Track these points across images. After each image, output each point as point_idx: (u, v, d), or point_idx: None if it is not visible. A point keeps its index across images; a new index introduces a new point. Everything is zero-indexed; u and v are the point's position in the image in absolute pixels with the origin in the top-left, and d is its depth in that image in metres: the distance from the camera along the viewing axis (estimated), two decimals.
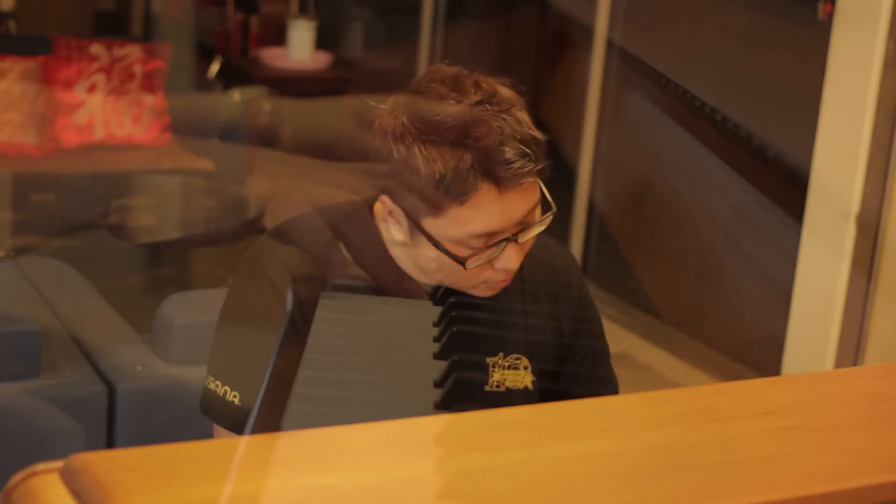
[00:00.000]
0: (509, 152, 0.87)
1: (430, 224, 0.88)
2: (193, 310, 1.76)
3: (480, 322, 0.86)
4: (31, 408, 0.99)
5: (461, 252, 0.86)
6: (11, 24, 3.56)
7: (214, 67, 3.98)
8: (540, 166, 0.88)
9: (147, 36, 3.47)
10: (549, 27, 1.80)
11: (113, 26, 3.74)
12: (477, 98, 0.89)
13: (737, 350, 0.70)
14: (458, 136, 0.87)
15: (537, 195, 0.88)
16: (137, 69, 3.26)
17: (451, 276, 0.90)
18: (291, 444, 0.56)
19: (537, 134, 0.91)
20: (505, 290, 0.89)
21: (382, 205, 0.94)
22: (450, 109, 0.89)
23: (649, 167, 1.05)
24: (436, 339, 0.79)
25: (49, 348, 1.58)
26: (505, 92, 0.92)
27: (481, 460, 0.54)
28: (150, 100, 3.25)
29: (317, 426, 0.59)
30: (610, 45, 1.27)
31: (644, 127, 1.13)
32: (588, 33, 1.38)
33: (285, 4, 3.92)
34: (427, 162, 0.88)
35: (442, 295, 0.88)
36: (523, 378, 0.75)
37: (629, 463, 0.54)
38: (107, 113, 3.21)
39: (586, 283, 0.95)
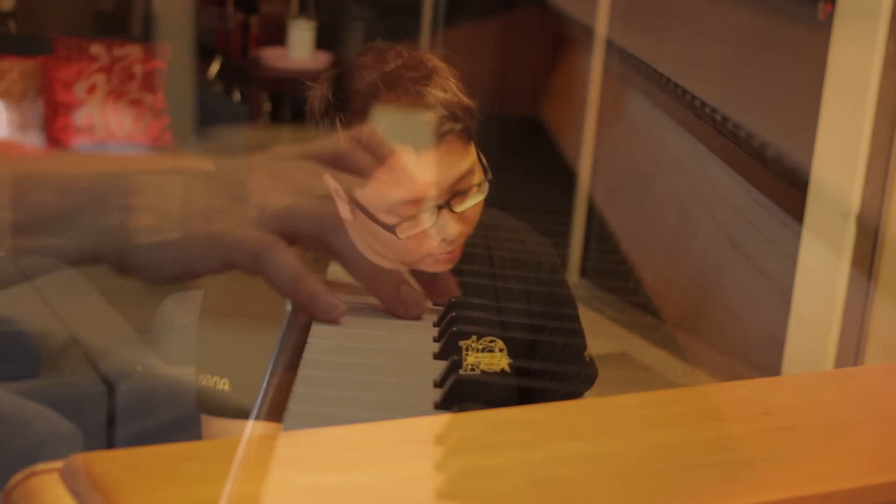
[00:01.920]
0: (425, 114, 0.88)
1: (361, 196, 0.89)
2: (193, 310, 1.76)
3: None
4: (31, 408, 0.99)
5: (393, 222, 0.87)
6: (11, 24, 3.56)
7: (214, 67, 3.98)
8: (460, 127, 0.89)
9: (147, 36, 3.47)
10: (549, 27, 1.80)
11: (113, 26, 3.74)
12: (394, 65, 0.91)
13: (737, 350, 0.70)
14: (372, 101, 0.89)
15: (467, 161, 0.89)
16: (137, 69, 3.26)
17: (393, 250, 0.90)
18: (291, 444, 0.56)
19: (463, 99, 0.92)
20: (474, 274, 0.89)
21: (329, 184, 0.95)
22: (366, 77, 0.91)
23: (649, 167, 1.05)
24: (436, 340, 0.79)
25: (49, 348, 1.57)
26: (430, 60, 0.94)
27: (481, 460, 0.54)
28: (150, 100, 3.25)
29: (317, 426, 0.59)
30: (610, 45, 1.27)
31: (644, 127, 1.13)
32: (588, 33, 1.38)
33: (285, 4, 3.92)
34: (343, 128, 0.90)
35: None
36: (499, 361, 0.75)
37: (629, 463, 0.54)
38: (107, 113, 3.21)
39: (561, 270, 0.96)
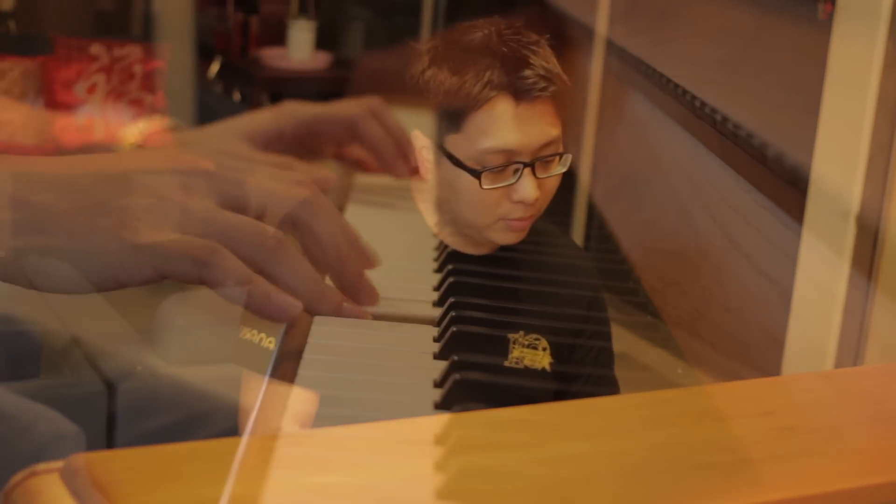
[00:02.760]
0: (528, 71, 0.92)
1: (450, 143, 0.92)
2: (193, 310, 1.76)
3: (503, 298, 0.87)
4: (32, 408, 0.99)
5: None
6: (11, 24, 3.56)
7: (214, 67, 3.98)
8: (556, 90, 0.92)
9: (147, 36, 3.47)
10: (549, 27, 1.80)
11: (113, 26, 3.74)
12: (507, 27, 0.95)
13: (737, 350, 0.70)
14: (484, 52, 0.93)
15: (555, 127, 0.91)
16: (137, 69, 3.26)
17: (470, 205, 0.92)
18: (291, 444, 0.56)
19: (562, 73, 0.95)
20: (525, 272, 0.90)
21: (415, 139, 0.98)
22: (479, 32, 0.95)
23: (649, 167, 1.05)
24: (436, 340, 0.79)
25: (49, 348, 1.58)
26: (533, 33, 0.97)
27: (481, 460, 0.54)
28: (150, 100, 3.25)
29: (317, 426, 0.59)
30: (610, 45, 1.27)
31: (644, 127, 1.13)
32: (588, 33, 1.38)
33: (285, 4, 3.92)
34: (451, 75, 0.93)
35: (447, 290, 0.88)
36: (541, 359, 0.76)
37: (629, 463, 0.54)
38: (107, 113, 3.21)
39: (601, 286, 0.97)
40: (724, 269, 0.79)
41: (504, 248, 0.98)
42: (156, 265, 0.66)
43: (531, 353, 0.78)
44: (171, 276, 0.66)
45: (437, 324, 0.82)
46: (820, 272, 0.63)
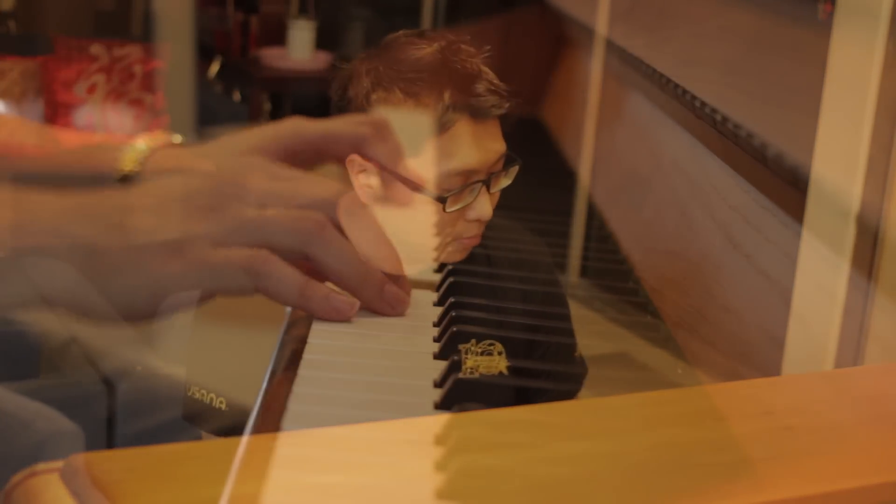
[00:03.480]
0: (482, 87, 0.90)
1: (404, 168, 0.90)
2: (196, 309, 1.76)
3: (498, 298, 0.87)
4: (33, 407, 0.99)
5: (440, 194, 0.88)
6: (11, 24, 3.56)
7: (214, 67, 3.98)
8: (507, 105, 0.91)
9: (147, 36, 3.47)
10: (549, 27, 1.80)
11: (113, 26, 3.73)
12: (445, 43, 0.93)
13: (737, 350, 0.70)
14: (435, 71, 0.91)
15: (503, 141, 0.91)
16: (137, 69, 3.26)
17: (424, 231, 0.91)
18: (291, 444, 0.56)
19: (501, 84, 0.94)
20: (474, 274, 0.89)
21: (350, 166, 0.95)
22: (425, 50, 0.93)
23: (649, 167, 1.05)
24: (436, 340, 0.79)
25: (49, 348, 1.57)
26: (468, 44, 0.96)
27: (481, 460, 0.54)
28: (149, 100, 3.25)
29: (317, 426, 0.59)
30: (610, 45, 1.27)
31: (644, 127, 1.13)
32: (588, 33, 1.38)
33: (285, 4, 3.92)
34: (405, 97, 0.91)
35: (444, 293, 0.88)
36: (497, 364, 0.75)
37: (629, 463, 0.54)
38: (107, 113, 3.21)
39: (555, 270, 0.96)
40: (724, 269, 0.79)
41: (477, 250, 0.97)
42: (206, 284, 0.66)
43: (486, 360, 0.77)
44: (225, 292, 0.66)
45: (437, 324, 0.82)
46: (820, 272, 0.62)
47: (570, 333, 0.84)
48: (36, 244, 0.65)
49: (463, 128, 0.89)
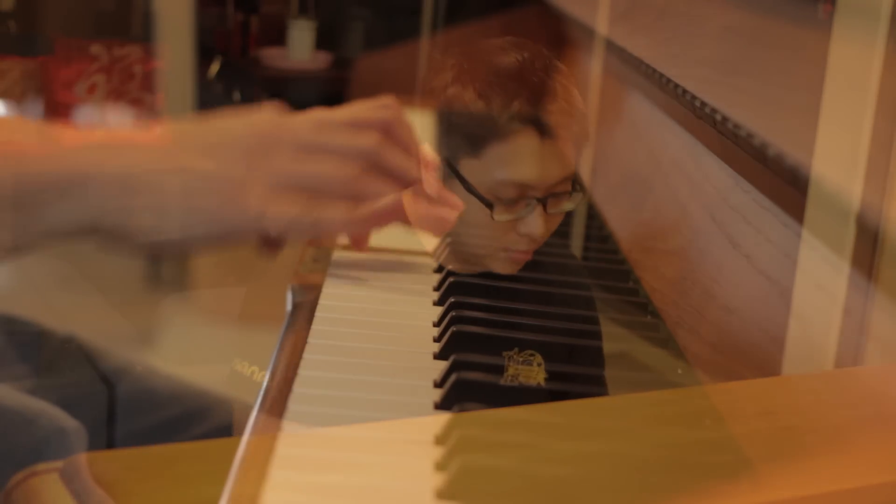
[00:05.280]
0: (556, 105, 0.90)
1: (464, 166, 0.91)
2: (193, 310, 1.76)
3: (503, 298, 0.87)
4: (36, 405, 0.99)
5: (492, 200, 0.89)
6: (11, 24, 3.56)
7: (214, 67, 3.98)
8: (579, 131, 0.90)
9: (147, 36, 3.46)
10: (549, 27, 1.79)
11: (113, 26, 3.73)
12: (531, 55, 0.93)
13: (737, 350, 0.70)
14: (513, 79, 0.91)
15: (570, 167, 0.89)
16: (137, 69, 3.26)
17: (475, 234, 0.91)
18: (291, 444, 0.56)
19: (582, 106, 0.93)
20: (519, 287, 0.90)
21: (425, 150, 0.97)
22: (510, 57, 0.93)
23: (649, 167, 1.05)
24: (436, 340, 0.79)
25: (49, 347, 1.57)
26: (561, 64, 0.96)
27: (481, 460, 0.54)
28: (150, 100, 3.25)
29: (317, 426, 0.59)
30: (610, 45, 1.27)
31: (644, 127, 1.13)
32: (588, 33, 1.38)
33: (285, 4, 3.92)
34: (477, 97, 0.91)
35: (446, 290, 0.88)
36: (536, 374, 0.76)
37: (629, 463, 0.54)
38: (107, 113, 3.21)
39: (592, 287, 0.96)
40: (724, 269, 0.79)
41: None
42: (264, 226, 0.71)
43: (526, 370, 0.78)
44: (284, 236, 0.72)
45: (437, 324, 0.82)
46: (820, 272, 0.62)
47: (559, 333, 0.83)
48: (83, 175, 0.67)
49: (525, 140, 0.88)
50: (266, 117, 0.77)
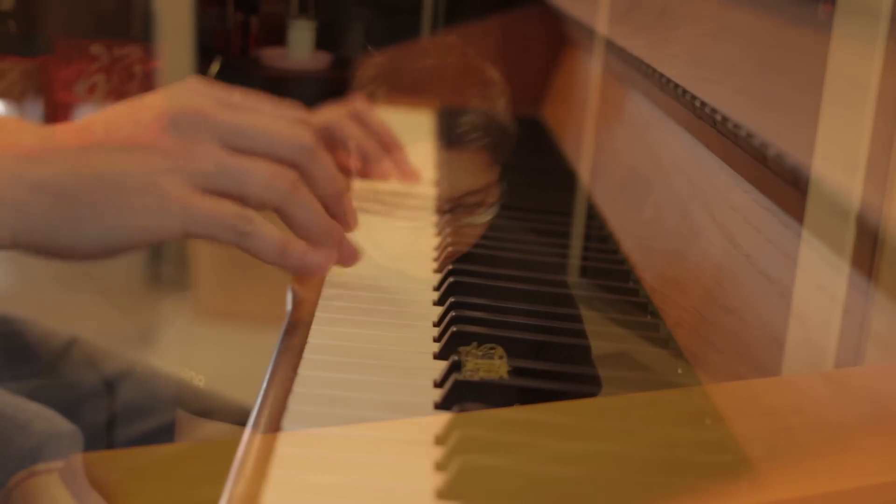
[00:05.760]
0: (463, 116, 0.89)
1: (373, 172, 0.91)
2: (193, 310, 1.76)
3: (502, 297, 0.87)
4: (31, 408, 0.99)
5: (391, 209, 0.88)
6: (11, 24, 3.56)
7: (214, 67, 3.98)
8: (490, 142, 0.89)
9: (147, 36, 3.47)
10: (549, 27, 1.79)
11: (113, 26, 3.73)
12: (454, 60, 0.92)
13: (737, 350, 0.70)
14: (422, 85, 0.90)
15: (484, 179, 0.88)
16: (137, 69, 3.26)
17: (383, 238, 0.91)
18: (291, 444, 0.56)
19: (503, 120, 0.92)
20: (477, 275, 0.89)
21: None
22: (422, 62, 0.92)
23: (649, 167, 1.05)
24: (436, 340, 0.79)
25: (49, 348, 1.57)
26: (489, 71, 0.94)
27: (481, 460, 0.54)
28: None
29: (317, 426, 0.59)
30: (610, 45, 1.27)
31: (644, 127, 1.13)
32: (588, 33, 1.38)
33: (285, 4, 3.92)
34: (391, 102, 0.91)
35: (444, 292, 0.88)
36: (498, 368, 0.75)
37: (629, 463, 0.54)
38: None
39: (562, 271, 0.96)
40: (724, 269, 0.79)
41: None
42: (188, 230, 0.68)
43: (486, 364, 0.77)
44: (202, 238, 0.69)
45: (437, 324, 0.82)
46: (820, 272, 0.62)
47: (577, 334, 0.83)
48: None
49: (423, 151, 0.88)
50: (191, 91, 0.74)
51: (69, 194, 0.66)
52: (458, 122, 0.88)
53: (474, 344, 0.77)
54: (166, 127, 0.70)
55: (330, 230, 0.75)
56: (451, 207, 0.86)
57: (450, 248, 0.87)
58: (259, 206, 0.72)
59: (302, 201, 0.73)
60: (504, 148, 0.89)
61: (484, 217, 0.88)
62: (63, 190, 0.66)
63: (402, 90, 0.90)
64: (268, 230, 0.71)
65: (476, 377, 0.71)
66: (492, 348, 0.79)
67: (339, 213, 0.78)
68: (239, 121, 0.73)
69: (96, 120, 0.72)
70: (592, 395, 0.72)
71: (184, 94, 0.73)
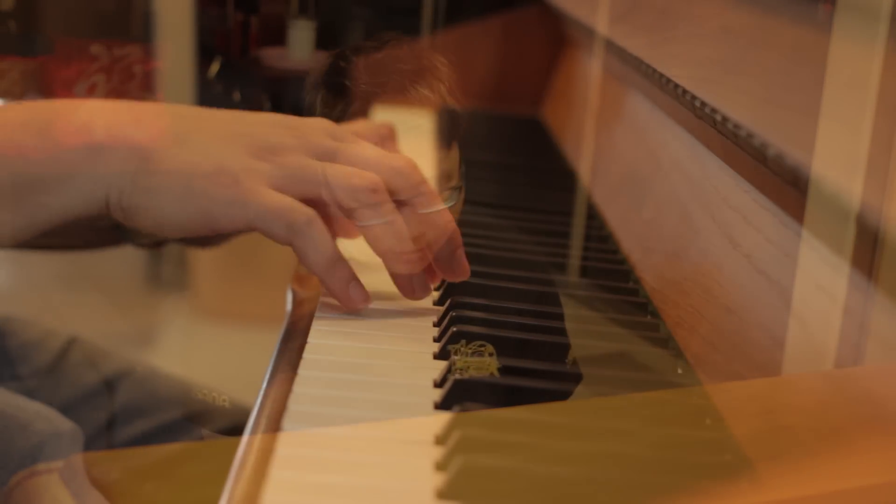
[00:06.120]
0: (405, 109, 0.89)
1: (331, 176, 0.91)
2: (193, 310, 1.76)
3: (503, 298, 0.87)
4: (32, 407, 0.99)
5: (355, 206, 0.88)
6: (11, 24, 3.55)
7: (214, 67, 3.98)
8: (435, 129, 0.88)
9: (147, 36, 3.46)
10: (549, 27, 1.79)
11: (113, 26, 3.73)
12: (388, 54, 0.91)
13: (737, 350, 0.70)
14: (357, 84, 0.90)
15: (440, 164, 0.88)
16: (137, 69, 3.26)
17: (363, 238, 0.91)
18: (291, 444, 0.56)
19: (448, 103, 0.92)
20: (525, 284, 0.89)
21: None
22: (360, 60, 0.92)
23: (649, 167, 1.05)
24: (436, 340, 0.79)
25: (49, 348, 1.57)
26: (427, 58, 0.93)
27: (481, 460, 0.54)
28: (150, 100, 3.25)
29: (317, 426, 0.59)
30: (610, 45, 1.27)
31: (644, 127, 1.13)
32: (588, 33, 1.38)
33: (285, 4, 3.91)
34: (323, 108, 0.91)
35: (443, 293, 0.88)
36: (488, 365, 0.75)
37: (629, 463, 0.54)
38: None
39: (550, 269, 0.96)
40: (724, 269, 0.79)
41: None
42: (249, 218, 0.69)
43: (476, 361, 0.77)
44: (262, 232, 0.70)
45: (438, 324, 0.82)
46: (820, 272, 0.63)
47: (558, 333, 0.83)
48: (96, 143, 0.68)
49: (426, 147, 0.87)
50: (293, 119, 0.76)
51: (156, 162, 0.68)
52: (403, 116, 0.88)
53: (463, 342, 0.77)
54: (267, 134, 0.72)
55: (399, 254, 0.75)
56: (409, 197, 0.85)
57: (420, 242, 0.87)
58: (340, 212, 0.72)
59: (382, 210, 0.73)
60: (456, 132, 0.89)
61: (449, 202, 0.87)
62: (151, 156, 0.67)
63: (354, 95, 0.90)
64: (325, 238, 0.71)
65: (467, 375, 0.71)
66: (481, 345, 0.79)
67: (447, 258, 0.78)
68: (335, 144, 0.75)
69: (211, 112, 0.74)
70: (593, 395, 0.72)
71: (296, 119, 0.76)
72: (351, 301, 0.74)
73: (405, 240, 0.74)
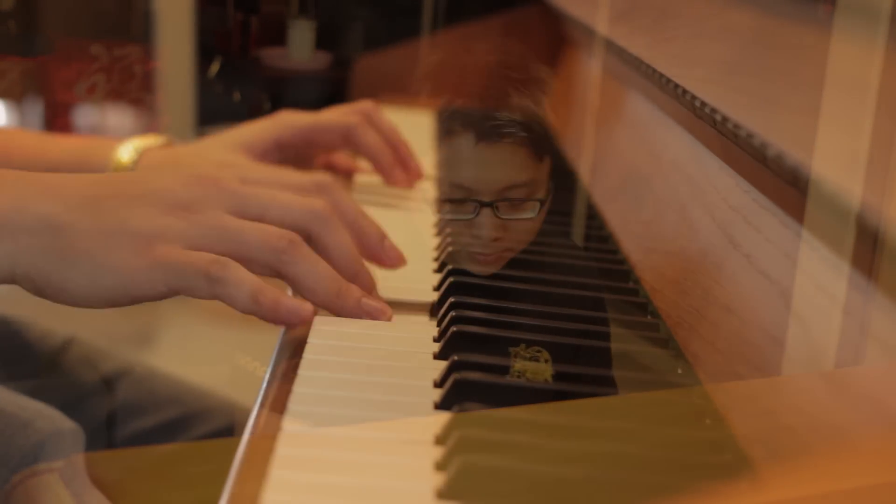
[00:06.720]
0: (501, 112, 0.88)
1: (405, 152, 0.91)
2: (193, 310, 1.76)
3: (505, 298, 0.86)
4: (30, 405, 0.99)
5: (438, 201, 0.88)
6: (11, 24, 3.56)
7: (214, 67, 3.98)
8: (528, 137, 0.87)
9: (147, 36, 3.46)
10: (549, 27, 1.79)
11: (113, 26, 3.73)
12: (499, 58, 0.91)
13: (737, 350, 0.70)
14: (464, 81, 0.89)
15: (526, 173, 0.86)
16: (137, 69, 3.26)
17: (423, 228, 0.91)
18: (291, 444, 0.56)
19: (545, 116, 0.91)
20: (517, 279, 0.89)
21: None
22: (477, 56, 0.91)
23: (649, 167, 1.05)
24: (436, 340, 0.79)
25: (47, 347, 1.57)
26: (535, 69, 0.92)
27: (481, 460, 0.54)
28: (149, 100, 3.25)
29: (317, 426, 0.59)
30: (610, 45, 1.27)
31: (644, 127, 1.13)
32: (588, 33, 1.38)
33: (285, 4, 3.91)
34: (430, 98, 0.91)
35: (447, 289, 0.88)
36: (543, 371, 0.75)
37: (629, 463, 0.54)
38: (107, 113, 3.21)
39: (602, 286, 0.96)
40: (724, 269, 0.79)
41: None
42: (168, 282, 0.67)
43: (533, 366, 0.77)
44: (183, 292, 0.68)
45: (438, 324, 0.82)
46: (820, 272, 0.62)
47: (558, 333, 0.83)
48: (2, 216, 0.66)
49: (462, 140, 0.86)
50: (206, 171, 0.74)
51: (66, 235, 0.66)
52: (494, 117, 0.87)
53: (522, 346, 0.77)
54: (179, 191, 0.71)
55: (341, 291, 0.75)
56: (490, 200, 0.85)
57: (497, 246, 0.87)
58: (260, 270, 0.71)
59: (302, 261, 0.72)
60: (545, 145, 0.88)
61: (530, 213, 0.86)
62: (61, 228, 0.66)
63: (447, 88, 0.89)
64: (242, 276, 0.69)
65: (522, 378, 0.71)
66: (538, 351, 0.79)
67: (356, 278, 0.78)
68: (250, 191, 0.74)
69: (123, 175, 0.74)
70: (593, 395, 0.72)
71: (208, 167, 0.75)
72: (292, 317, 0.73)
73: (331, 279, 0.74)
